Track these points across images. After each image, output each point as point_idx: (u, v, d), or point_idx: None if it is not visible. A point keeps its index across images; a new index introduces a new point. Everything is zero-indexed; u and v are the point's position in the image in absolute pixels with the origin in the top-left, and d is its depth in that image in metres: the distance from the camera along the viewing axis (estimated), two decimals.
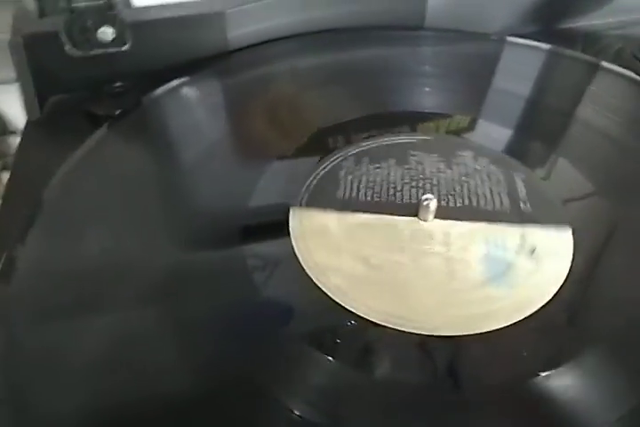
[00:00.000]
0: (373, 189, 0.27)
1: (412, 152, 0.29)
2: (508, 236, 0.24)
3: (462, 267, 0.23)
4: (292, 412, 0.18)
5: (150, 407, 0.19)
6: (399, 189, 0.27)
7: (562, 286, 0.22)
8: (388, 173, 0.28)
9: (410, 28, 0.36)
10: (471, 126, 0.32)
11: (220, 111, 0.32)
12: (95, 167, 0.28)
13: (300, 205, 0.26)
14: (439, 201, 0.26)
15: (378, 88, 0.33)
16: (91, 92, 0.32)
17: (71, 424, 0.19)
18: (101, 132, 0.29)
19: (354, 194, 0.26)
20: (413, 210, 0.25)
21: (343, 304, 0.21)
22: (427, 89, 0.34)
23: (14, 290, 0.22)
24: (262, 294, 0.22)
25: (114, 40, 0.31)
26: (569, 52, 0.36)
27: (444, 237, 0.24)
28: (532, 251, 0.24)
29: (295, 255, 0.23)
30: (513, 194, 0.27)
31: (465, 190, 0.27)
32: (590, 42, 0.36)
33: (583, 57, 0.36)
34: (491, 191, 0.27)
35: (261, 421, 0.19)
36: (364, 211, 0.26)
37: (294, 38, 0.35)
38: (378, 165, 0.28)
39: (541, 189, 0.27)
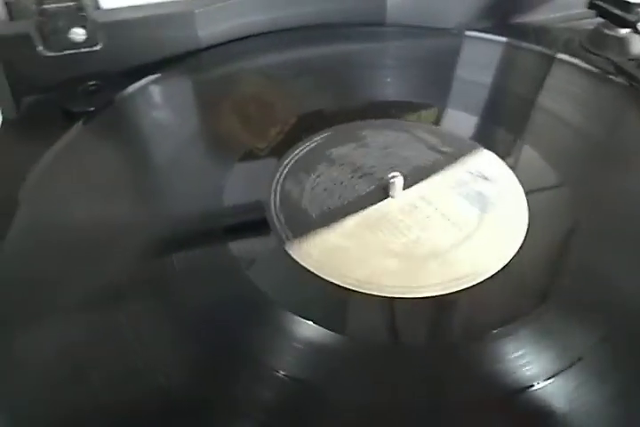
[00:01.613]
0: (333, 193, 0.27)
1: (331, 150, 0.30)
2: (458, 174, 0.28)
3: (456, 213, 0.26)
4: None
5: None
6: (351, 184, 0.28)
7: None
8: (330, 175, 0.28)
9: (373, 25, 0.38)
10: (440, 115, 0.34)
11: (190, 108, 0.33)
12: (70, 163, 0.29)
13: (290, 240, 0.25)
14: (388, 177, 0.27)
15: (345, 82, 0.35)
16: (65, 91, 0.33)
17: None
18: (76, 129, 0.30)
19: (324, 207, 0.27)
20: (380, 193, 0.27)
21: (408, 296, 0.22)
22: (392, 80, 0.36)
23: None
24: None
25: (86, 40, 0.33)
26: (525, 44, 0.38)
27: (424, 201, 0.26)
28: (484, 176, 0.27)
29: (327, 281, 0.23)
30: (428, 144, 0.30)
31: (395, 159, 0.29)
32: (540, 34, 0.39)
33: (539, 49, 0.38)
34: (415, 149, 0.30)
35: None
36: (346, 215, 0.26)
37: (262, 36, 0.36)
38: (317, 174, 0.28)
39: (448, 132, 0.31)
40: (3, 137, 0.32)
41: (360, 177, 0.28)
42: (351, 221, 0.26)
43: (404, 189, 0.27)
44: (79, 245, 0.25)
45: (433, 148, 0.30)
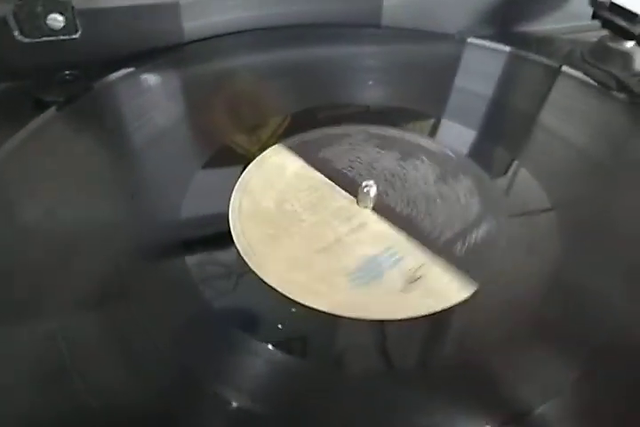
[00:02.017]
0: (353, 164, 0.28)
1: (422, 156, 0.29)
2: (411, 257, 0.23)
3: (343, 252, 0.23)
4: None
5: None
6: (374, 174, 0.27)
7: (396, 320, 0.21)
8: (380, 160, 0.28)
9: (367, 26, 0.36)
10: (436, 126, 0.32)
11: (165, 103, 0.32)
12: (36, 148, 0.27)
13: (285, 145, 0.28)
14: (395, 203, 0.26)
15: (332, 84, 0.33)
16: (39, 80, 0.32)
17: None
18: (45, 115, 0.29)
19: (334, 159, 0.28)
20: (355, 190, 0.26)
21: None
22: (391, 86, 0.34)
23: None
24: None
25: (64, 27, 0.31)
26: (531, 55, 0.36)
27: (358, 226, 0.24)
28: (414, 280, 0.22)
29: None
30: (465, 233, 0.25)
31: (424, 206, 0.26)
32: (542, 45, 0.37)
33: (544, 61, 0.36)
34: (448, 218, 0.25)
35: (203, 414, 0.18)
36: (325, 173, 0.27)
37: (249, 33, 0.35)
38: (380, 151, 0.29)
39: (499, 237, 0.25)
40: None
41: (370, 171, 0.28)
42: (316, 174, 0.27)
43: (377, 212, 0.25)
44: (32, 240, 0.23)
45: (463, 233, 0.25)
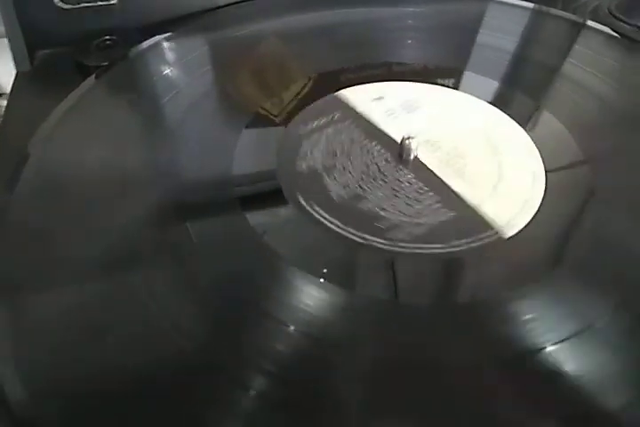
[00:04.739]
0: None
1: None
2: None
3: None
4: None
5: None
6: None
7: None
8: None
9: None
10: (460, 78, 0.33)
11: (203, 67, 0.33)
12: (82, 116, 0.28)
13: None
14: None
15: (363, 44, 0.34)
16: (80, 45, 0.32)
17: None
18: (88, 83, 0.30)
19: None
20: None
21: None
22: (423, 43, 0.35)
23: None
24: None
25: None
26: (553, 10, 0.37)
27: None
28: None
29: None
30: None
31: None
32: (569, 0, 0.37)
33: (567, 16, 0.36)
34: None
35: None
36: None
37: None
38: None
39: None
40: (17, 90, 0.32)
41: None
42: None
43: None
44: (87, 203, 0.24)
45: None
